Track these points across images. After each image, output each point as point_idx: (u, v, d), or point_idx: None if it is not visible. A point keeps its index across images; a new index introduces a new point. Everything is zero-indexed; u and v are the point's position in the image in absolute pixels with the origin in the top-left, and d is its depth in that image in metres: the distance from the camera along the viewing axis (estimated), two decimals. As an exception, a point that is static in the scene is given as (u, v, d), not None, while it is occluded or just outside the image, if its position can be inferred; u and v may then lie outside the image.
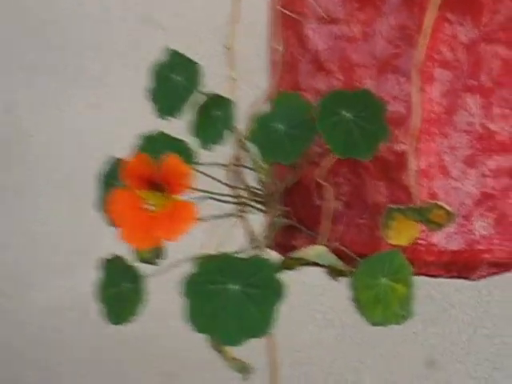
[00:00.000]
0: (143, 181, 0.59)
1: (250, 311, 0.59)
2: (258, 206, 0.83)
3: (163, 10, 1.60)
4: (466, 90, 0.76)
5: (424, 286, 0.69)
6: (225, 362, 0.84)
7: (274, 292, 0.59)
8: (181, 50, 0.75)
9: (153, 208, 0.60)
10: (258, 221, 0.85)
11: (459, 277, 0.80)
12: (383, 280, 0.66)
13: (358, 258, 0.70)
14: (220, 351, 0.84)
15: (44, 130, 1.66)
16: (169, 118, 0.71)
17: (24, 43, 1.64)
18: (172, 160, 0.58)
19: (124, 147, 0.75)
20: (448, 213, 0.67)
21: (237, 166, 0.77)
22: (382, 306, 0.66)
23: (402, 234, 0.69)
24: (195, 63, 0.71)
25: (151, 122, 0.75)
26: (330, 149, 0.67)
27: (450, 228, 0.74)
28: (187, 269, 0.64)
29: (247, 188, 0.80)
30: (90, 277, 1.64)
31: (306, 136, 0.65)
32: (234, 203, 0.79)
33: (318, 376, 1.64)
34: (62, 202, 1.67)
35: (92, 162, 1.63)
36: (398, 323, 0.66)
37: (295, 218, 0.82)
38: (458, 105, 0.75)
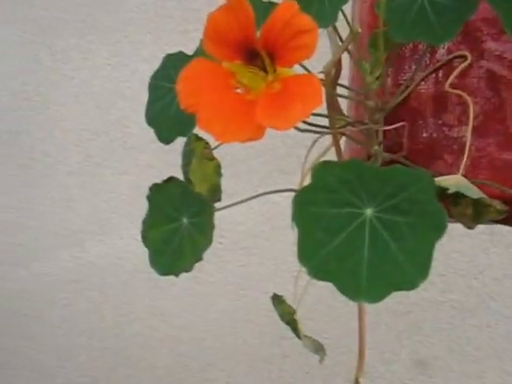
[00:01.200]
0: (235, 45, 0.36)
1: (393, 250, 0.36)
2: (354, 133, 0.60)
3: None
4: None
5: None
6: (299, 339, 0.63)
7: (432, 221, 0.36)
8: None
9: (248, 89, 0.37)
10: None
11: None
12: None
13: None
14: (291, 324, 0.62)
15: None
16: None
17: None
18: (286, 8, 0.35)
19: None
20: None
21: (337, 72, 0.54)
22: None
23: None
24: None
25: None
26: (504, 26, 0.44)
27: None
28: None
29: (340, 107, 0.57)
30: (98, 249, 1.45)
31: (460, 6, 0.42)
32: (324, 127, 0.56)
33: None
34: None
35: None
36: None
37: (401, 151, 0.59)
38: None
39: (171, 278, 0.54)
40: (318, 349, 0.64)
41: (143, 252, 0.57)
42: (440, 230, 0.37)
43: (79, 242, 1.46)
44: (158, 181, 0.54)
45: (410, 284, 0.36)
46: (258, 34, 0.38)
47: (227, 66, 0.37)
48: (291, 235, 0.42)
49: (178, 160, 0.63)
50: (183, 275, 0.53)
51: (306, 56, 0.35)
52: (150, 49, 1.43)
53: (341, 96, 0.53)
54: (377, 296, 0.36)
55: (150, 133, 0.60)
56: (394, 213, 0.37)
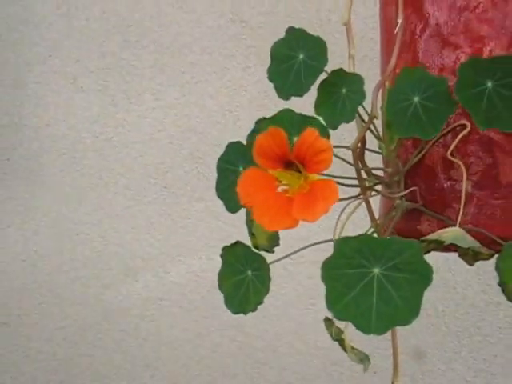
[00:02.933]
0: (276, 159, 0.54)
1: (393, 297, 0.53)
2: (381, 189, 0.77)
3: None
4: None
5: None
6: (345, 352, 0.79)
7: (421, 276, 0.53)
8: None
9: (287, 188, 0.54)
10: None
11: None
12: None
13: (500, 240, 0.63)
14: (340, 341, 0.79)
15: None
16: (291, 97, 0.66)
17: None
18: (309, 134, 0.52)
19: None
20: None
21: (362, 147, 0.71)
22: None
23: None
24: (321, 40, 0.65)
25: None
26: (474, 121, 0.61)
27: None
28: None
29: (370, 170, 0.74)
30: (178, 269, 1.64)
31: (443, 109, 0.59)
32: (357, 186, 0.73)
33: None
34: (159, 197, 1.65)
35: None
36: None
37: (418, 202, 0.76)
38: None
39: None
40: (363, 359, 0.80)
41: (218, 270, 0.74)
42: (427, 282, 0.53)
43: (161, 264, 1.66)
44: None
45: (405, 321, 0.53)
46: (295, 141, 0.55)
47: (272, 173, 0.54)
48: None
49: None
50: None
51: (325, 168, 0.52)
52: (216, 86, 1.61)
53: (363, 168, 0.70)
54: (382, 330, 0.53)
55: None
56: (394, 271, 0.54)
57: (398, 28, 0.73)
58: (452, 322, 1.58)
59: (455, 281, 1.54)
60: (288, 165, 0.55)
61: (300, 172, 0.55)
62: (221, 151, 0.73)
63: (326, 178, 0.54)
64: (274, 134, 0.53)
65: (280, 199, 0.54)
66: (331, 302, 0.54)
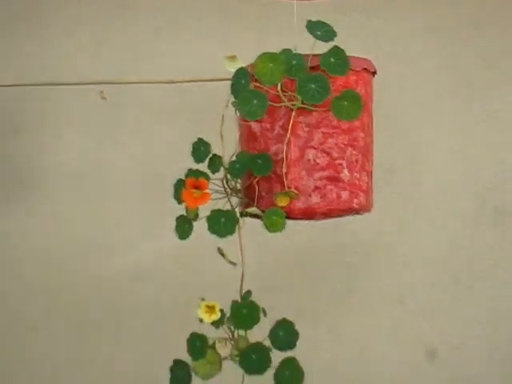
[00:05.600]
0: (193, 186, 1.94)
1: (224, 224, 1.94)
2: (235, 194, 2.16)
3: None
4: (308, 148, 2.08)
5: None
6: (225, 260, 2.18)
7: (232, 221, 1.94)
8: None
9: (196, 194, 1.94)
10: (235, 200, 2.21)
11: (309, 219, 2.14)
12: (274, 217, 2.00)
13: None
14: (222, 255, 2.19)
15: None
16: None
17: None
18: (202, 180, 1.93)
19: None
20: (294, 194, 2.01)
21: (226, 179, 2.11)
22: (274, 226, 2.00)
23: (282, 201, 2.02)
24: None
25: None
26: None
27: (303, 199, 2.06)
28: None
29: (230, 188, 2.13)
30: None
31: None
32: (225, 193, 2.12)
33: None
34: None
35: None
36: (280, 231, 2.00)
37: (249, 199, 2.15)
38: (305, 154, 2.08)
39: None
40: (231, 261, 2.18)
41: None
42: (235, 223, 1.94)
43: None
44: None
45: (230, 233, 1.94)
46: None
47: (192, 190, 1.95)
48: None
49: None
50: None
51: (206, 188, 1.92)
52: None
53: (228, 186, 2.10)
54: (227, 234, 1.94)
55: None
56: (224, 218, 1.94)
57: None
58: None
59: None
60: (197, 187, 1.95)
61: (200, 189, 1.96)
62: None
63: (207, 191, 1.94)
64: (193, 180, 1.94)
65: (194, 197, 1.94)
66: (210, 228, 1.94)
